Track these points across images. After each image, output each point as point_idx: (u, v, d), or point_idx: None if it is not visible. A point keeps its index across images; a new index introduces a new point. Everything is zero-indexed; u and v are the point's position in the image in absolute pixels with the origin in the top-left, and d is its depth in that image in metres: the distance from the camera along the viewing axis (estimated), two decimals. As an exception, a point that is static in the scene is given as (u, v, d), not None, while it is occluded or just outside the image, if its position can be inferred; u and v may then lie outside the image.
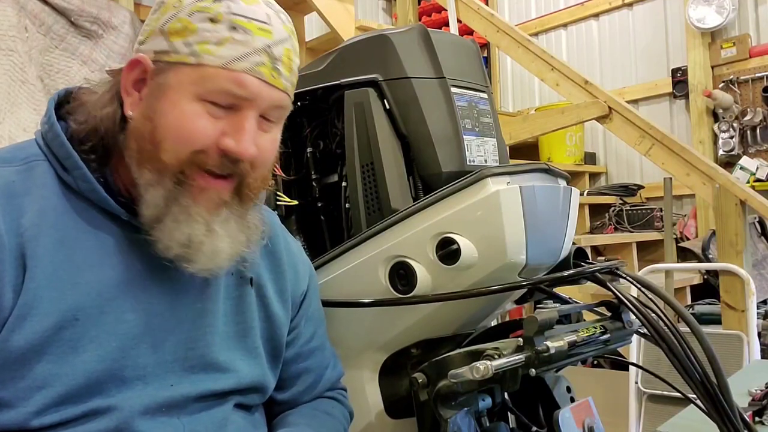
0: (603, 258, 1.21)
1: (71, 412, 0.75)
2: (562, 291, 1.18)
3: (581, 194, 4.03)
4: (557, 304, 1.15)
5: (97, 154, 0.82)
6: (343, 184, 1.17)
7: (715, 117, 4.16)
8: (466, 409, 0.92)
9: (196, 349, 0.85)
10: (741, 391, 1.23)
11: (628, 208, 4.11)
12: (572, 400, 1.06)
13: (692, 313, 2.38)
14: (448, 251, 0.97)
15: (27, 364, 0.74)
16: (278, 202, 1.22)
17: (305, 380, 1.01)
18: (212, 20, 0.77)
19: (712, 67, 4.19)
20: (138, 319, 0.80)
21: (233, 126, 0.79)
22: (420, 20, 4.39)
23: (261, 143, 0.82)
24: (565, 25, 5.08)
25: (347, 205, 1.15)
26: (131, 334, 0.79)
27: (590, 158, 4.78)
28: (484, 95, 1.17)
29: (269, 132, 0.84)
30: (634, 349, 2.52)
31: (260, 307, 0.93)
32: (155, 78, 0.79)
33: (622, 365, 2.66)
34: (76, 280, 0.77)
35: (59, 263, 0.76)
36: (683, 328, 0.96)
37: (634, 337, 1.06)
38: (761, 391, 1.22)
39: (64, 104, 0.86)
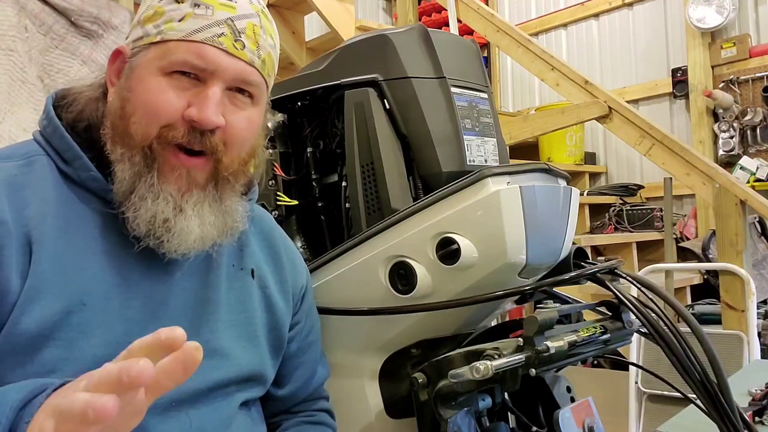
0: (603, 258, 1.21)
1: None
2: (561, 290, 1.18)
3: (581, 194, 4.03)
4: (557, 304, 1.15)
5: (90, 143, 0.84)
6: (343, 184, 1.17)
7: (715, 117, 4.16)
8: (466, 409, 0.92)
9: (201, 335, 0.85)
10: (741, 391, 1.23)
11: (628, 208, 4.11)
12: (572, 400, 1.06)
13: (692, 313, 2.38)
14: (448, 251, 0.97)
15: (36, 349, 0.74)
16: (278, 202, 1.23)
17: (301, 375, 1.02)
18: (177, 1, 0.82)
19: (712, 67, 4.19)
20: (142, 306, 0.81)
21: (197, 96, 0.80)
22: (420, 20, 4.39)
23: (233, 119, 0.83)
24: (565, 25, 5.08)
25: (347, 205, 1.15)
26: (137, 320, 0.80)
27: (590, 158, 4.78)
28: (484, 95, 1.17)
29: (244, 110, 0.85)
30: (634, 349, 2.53)
31: (262, 297, 0.95)
32: (129, 62, 0.83)
33: (622, 365, 2.66)
34: (81, 266, 0.78)
35: (62, 249, 0.78)
36: (683, 328, 0.96)
37: (634, 337, 1.06)
38: (761, 391, 1.22)
39: (60, 101, 0.88)
